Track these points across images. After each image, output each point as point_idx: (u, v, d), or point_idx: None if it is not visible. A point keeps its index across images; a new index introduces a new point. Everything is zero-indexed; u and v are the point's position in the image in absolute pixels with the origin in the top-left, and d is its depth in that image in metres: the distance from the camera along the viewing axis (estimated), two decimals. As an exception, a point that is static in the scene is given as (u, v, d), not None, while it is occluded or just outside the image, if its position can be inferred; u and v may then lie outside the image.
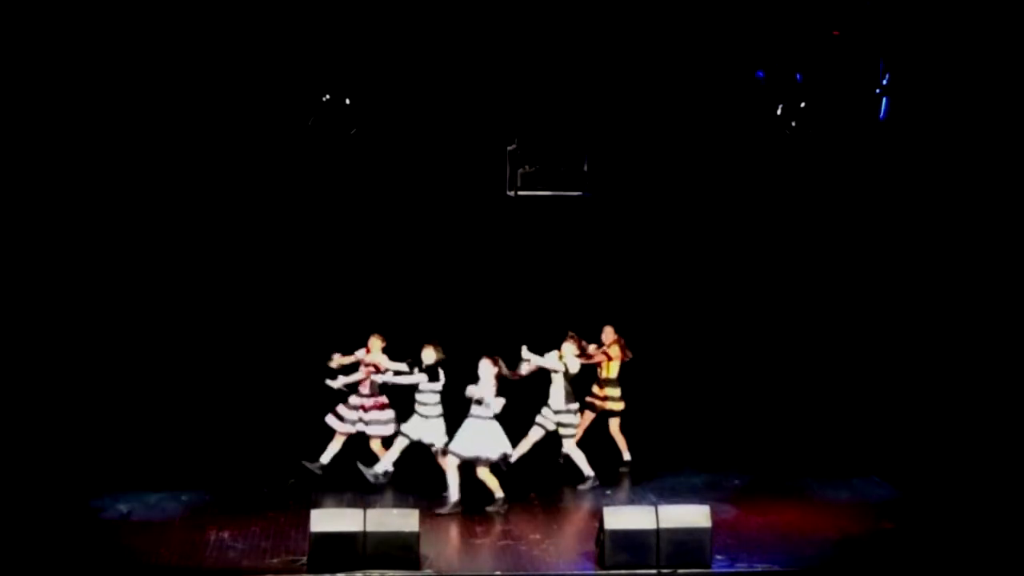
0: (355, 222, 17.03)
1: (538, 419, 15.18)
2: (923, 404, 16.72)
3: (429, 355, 14.67)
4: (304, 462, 15.22)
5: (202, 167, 16.44)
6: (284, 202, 16.87)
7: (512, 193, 15.83)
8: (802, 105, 15.51)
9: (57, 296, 16.34)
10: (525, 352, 14.80)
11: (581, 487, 15.17)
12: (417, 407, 14.76)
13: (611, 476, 15.58)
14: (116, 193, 16.33)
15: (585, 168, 15.81)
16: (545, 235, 17.18)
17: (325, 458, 15.21)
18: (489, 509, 14.23)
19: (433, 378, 14.60)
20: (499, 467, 14.29)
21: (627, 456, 15.90)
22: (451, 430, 14.48)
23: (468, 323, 16.62)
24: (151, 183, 16.39)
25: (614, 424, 15.86)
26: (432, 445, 14.74)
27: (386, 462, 14.94)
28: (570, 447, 15.22)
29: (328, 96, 15.18)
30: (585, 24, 15.19)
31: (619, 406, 15.77)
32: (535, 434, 15.18)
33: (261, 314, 17.05)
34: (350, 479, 15.22)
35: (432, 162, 16.69)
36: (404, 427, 14.86)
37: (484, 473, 14.26)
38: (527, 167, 15.65)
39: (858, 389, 17.11)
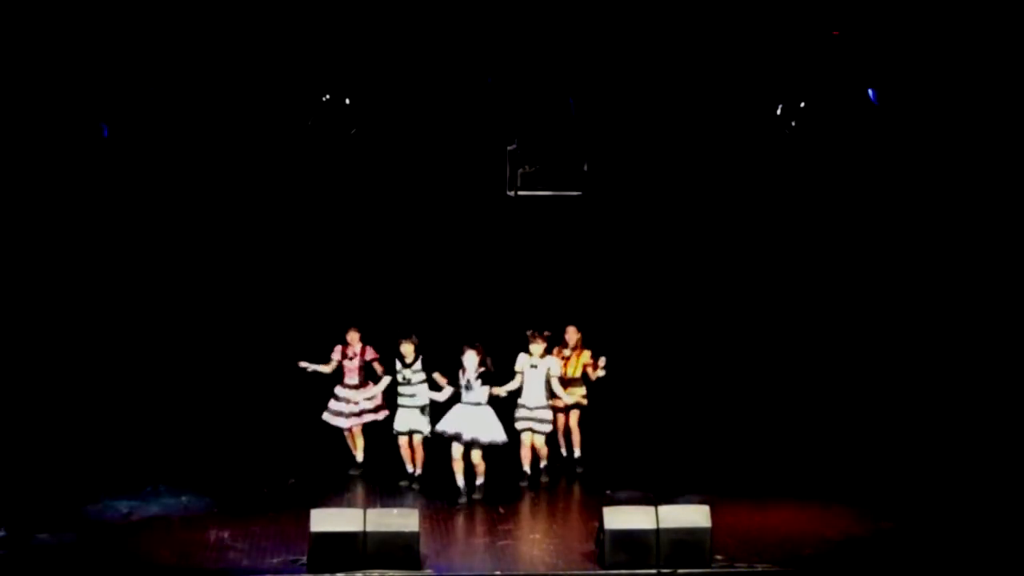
0: (355, 222, 17.03)
1: (518, 425, 15.14)
2: (924, 404, 16.75)
3: (408, 350, 14.81)
4: (351, 471, 15.46)
5: (202, 167, 16.44)
6: (284, 202, 16.87)
7: (512, 193, 15.82)
8: (802, 105, 15.51)
9: (58, 295, 16.38)
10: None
11: (523, 483, 15.20)
12: (402, 400, 14.95)
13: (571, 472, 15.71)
14: (117, 193, 16.35)
15: (585, 168, 15.81)
16: (544, 235, 17.16)
17: (359, 456, 15.53)
18: (476, 495, 14.46)
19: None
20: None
21: (578, 453, 15.82)
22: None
23: (468, 323, 16.59)
24: (151, 183, 16.40)
25: (575, 417, 15.77)
26: (418, 432, 14.87)
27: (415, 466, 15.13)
28: (540, 443, 15.21)
29: (328, 96, 15.17)
30: (585, 24, 15.17)
31: (585, 402, 15.67)
32: (527, 440, 15.16)
33: (261, 314, 17.05)
34: (349, 478, 15.25)
35: (432, 162, 16.68)
36: (395, 425, 15.02)
37: (477, 459, 14.46)
38: (527, 167, 15.65)
39: (859, 390, 17.12)
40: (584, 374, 15.59)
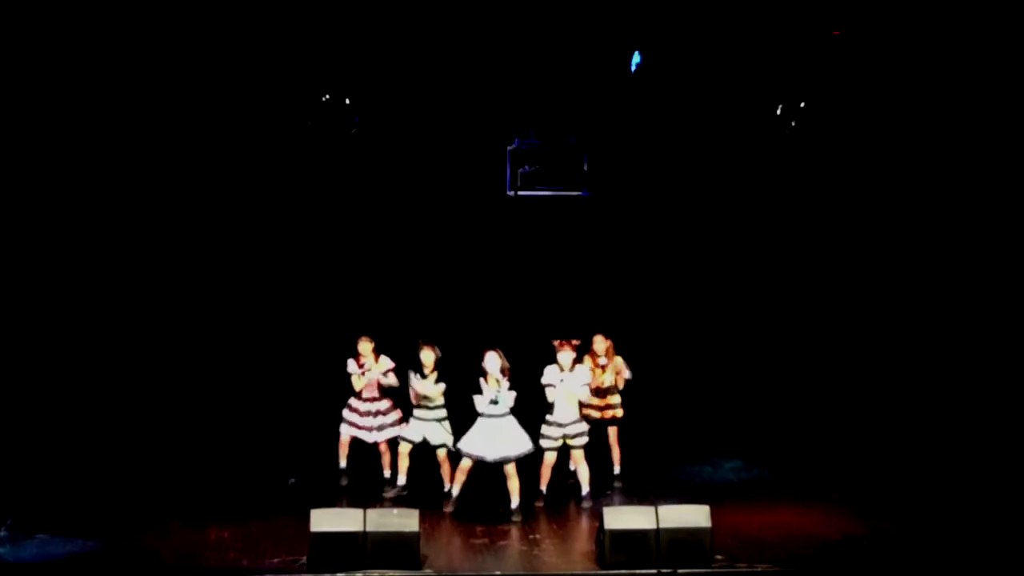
0: (355, 222, 17.03)
1: (545, 443, 14.39)
2: (923, 404, 16.75)
3: (429, 358, 14.34)
4: (386, 492, 14.70)
5: (202, 167, 16.45)
6: (284, 202, 16.87)
7: (512, 193, 15.83)
8: (802, 105, 15.52)
9: (58, 296, 16.39)
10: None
11: (584, 505, 14.53)
12: (420, 411, 14.40)
13: (606, 487, 15.18)
14: (116, 193, 16.36)
15: (585, 168, 15.81)
16: (545, 235, 17.15)
17: (396, 476, 14.76)
18: (515, 519, 13.94)
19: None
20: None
21: (617, 469, 15.33)
22: (458, 430, 14.38)
23: (467, 324, 16.60)
24: (150, 183, 16.41)
25: (613, 433, 15.28)
26: (443, 446, 14.44)
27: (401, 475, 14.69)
28: (580, 458, 14.53)
29: (328, 96, 15.18)
30: (585, 23, 15.20)
31: (620, 413, 15.23)
32: (550, 459, 14.47)
33: (261, 314, 17.05)
34: (349, 479, 15.24)
35: (432, 162, 16.68)
36: (405, 432, 14.54)
37: (511, 472, 13.91)
38: (527, 167, 15.66)
39: (859, 390, 17.13)
40: (615, 384, 15.12)
